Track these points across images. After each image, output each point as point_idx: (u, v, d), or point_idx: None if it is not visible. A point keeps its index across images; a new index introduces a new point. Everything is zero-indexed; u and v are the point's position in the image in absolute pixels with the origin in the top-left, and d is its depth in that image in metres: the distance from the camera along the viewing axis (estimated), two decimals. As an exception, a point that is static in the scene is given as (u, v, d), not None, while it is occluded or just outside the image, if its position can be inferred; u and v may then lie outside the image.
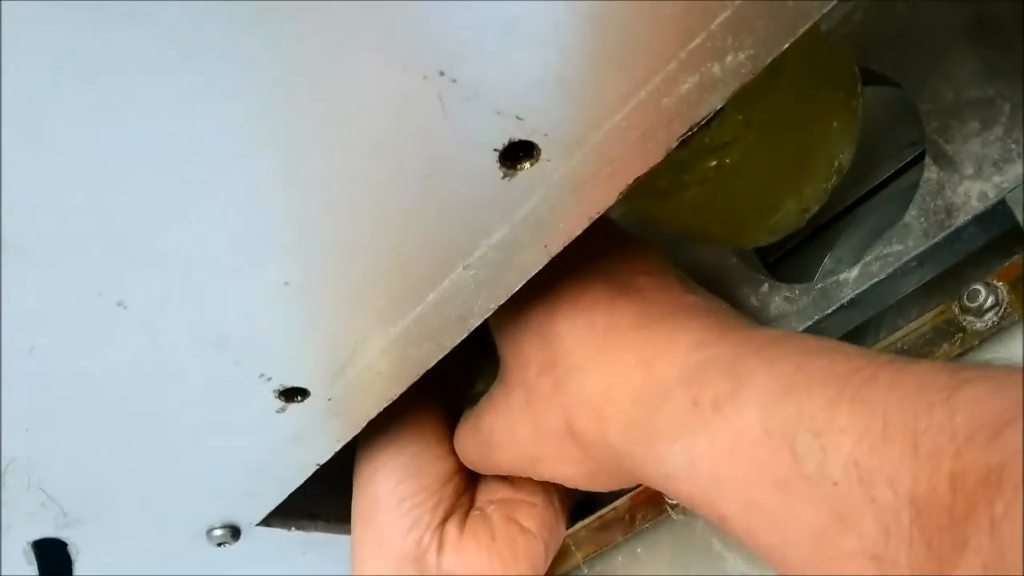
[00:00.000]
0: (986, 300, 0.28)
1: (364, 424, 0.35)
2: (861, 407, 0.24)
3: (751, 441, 0.26)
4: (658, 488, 0.30)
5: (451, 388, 0.42)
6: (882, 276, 0.34)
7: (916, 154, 0.40)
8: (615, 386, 0.31)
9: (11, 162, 0.21)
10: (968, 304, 0.28)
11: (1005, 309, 0.28)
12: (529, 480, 0.39)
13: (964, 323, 0.28)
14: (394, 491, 0.38)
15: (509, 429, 0.35)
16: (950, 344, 0.29)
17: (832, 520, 0.23)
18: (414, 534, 0.37)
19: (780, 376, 0.26)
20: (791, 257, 0.43)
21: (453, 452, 0.40)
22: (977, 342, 0.29)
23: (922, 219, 0.34)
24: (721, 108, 0.32)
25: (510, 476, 0.39)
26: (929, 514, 0.21)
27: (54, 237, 0.23)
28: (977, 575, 0.19)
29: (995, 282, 0.28)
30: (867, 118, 0.36)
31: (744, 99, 0.32)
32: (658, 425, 0.29)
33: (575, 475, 0.34)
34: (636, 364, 0.30)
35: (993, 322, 0.28)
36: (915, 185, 0.35)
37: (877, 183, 0.41)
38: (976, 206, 0.33)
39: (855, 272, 0.35)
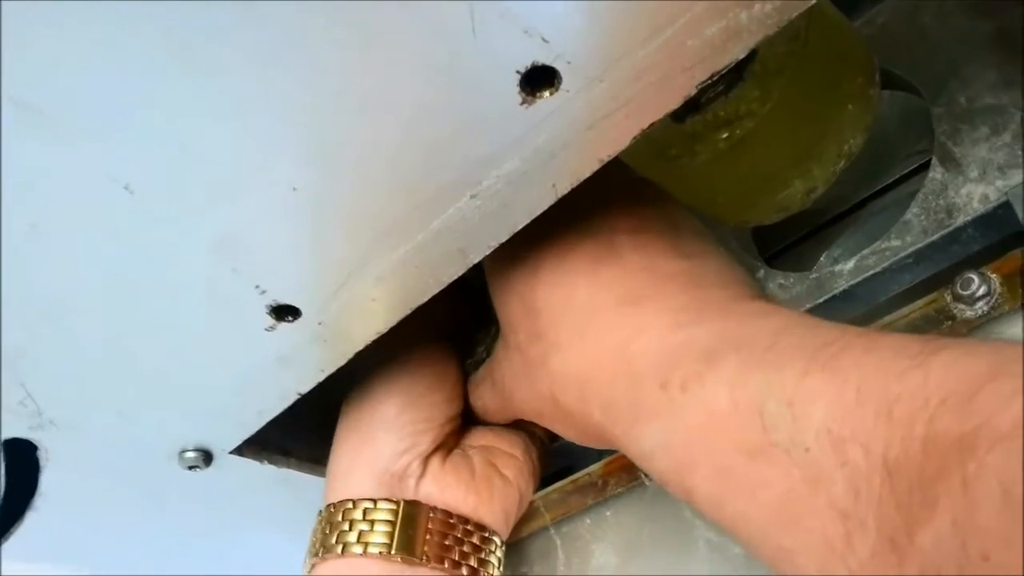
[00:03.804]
0: (979, 289, 0.28)
1: (350, 356, 0.34)
2: (833, 376, 0.24)
3: (720, 415, 0.26)
4: (637, 463, 0.31)
5: (469, 343, 0.43)
6: (877, 269, 0.35)
7: (922, 162, 0.40)
8: (593, 368, 0.31)
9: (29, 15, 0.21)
10: (960, 291, 0.28)
11: (996, 300, 0.28)
12: (511, 432, 0.40)
13: (955, 311, 0.29)
14: (403, 414, 0.39)
15: (515, 384, 0.36)
16: (938, 332, 0.30)
17: (802, 481, 0.24)
18: (406, 457, 0.38)
19: (751, 355, 0.27)
20: (789, 251, 0.44)
21: (460, 398, 0.41)
22: (966, 331, 0.29)
23: (923, 217, 0.34)
24: (740, 78, 0.33)
25: (494, 427, 0.40)
26: (900, 476, 0.21)
27: (68, 103, 0.23)
28: (946, 532, 0.20)
29: (989, 273, 0.28)
30: (878, 123, 0.37)
31: (763, 74, 0.32)
32: (633, 407, 0.30)
33: (569, 434, 0.35)
34: (612, 347, 0.31)
35: (983, 311, 0.28)
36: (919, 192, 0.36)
37: (881, 187, 0.42)
38: (977, 208, 0.33)
39: (851, 264, 0.36)
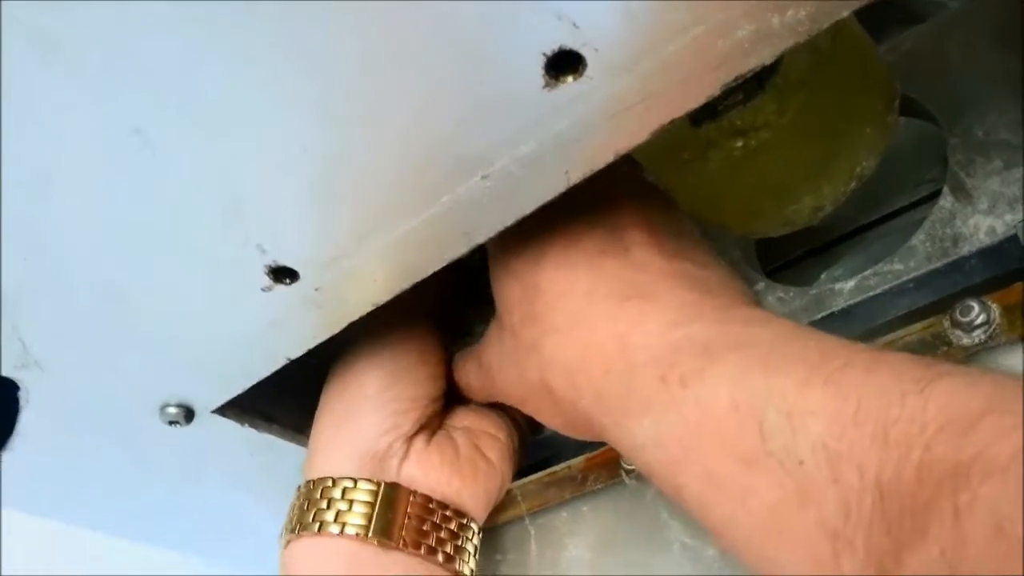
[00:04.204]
0: (977, 317, 0.28)
1: (343, 326, 0.34)
2: (834, 390, 0.24)
3: (719, 415, 0.26)
4: (625, 456, 0.30)
5: (455, 325, 0.43)
6: (878, 291, 0.35)
7: (931, 191, 0.41)
8: (588, 356, 0.31)
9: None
10: (959, 318, 0.29)
11: (994, 329, 0.28)
12: (495, 415, 0.40)
13: (951, 337, 0.29)
14: (385, 390, 0.38)
15: (502, 366, 0.36)
16: (933, 357, 0.30)
17: (793, 494, 0.24)
18: (388, 437, 0.38)
19: (752, 357, 0.27)
20: (790, 267, 0.44)
21: (443, 377, 0.41)
22: (961, 358, 0.29)
23: (928, 243, 0.34)
24: (760, 89, 0.32)
25: (477, 409, 0.40)
26: (892, 499, 0.21)
27: (86, 39, 0.23)
28: (935, 560, 0.20)
29: (990, 302, 0.28)
30: (891, 148, 0.37)
31: (784, 87, 0.32)
32: (627, 400, 0.29)
33: (553, 423, 0.35)
34: (610, 336, 0.31)
35: (980, 339, 0.28)
36: (925, 220, 0.36)
37: (888, 212, 0.42)
38: (983, 239, 0.33)
39: (851, 283, 0.36)
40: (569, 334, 0.32)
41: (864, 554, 0.22)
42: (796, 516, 0.23)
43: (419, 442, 0.38)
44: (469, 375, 0.39)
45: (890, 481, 0.21)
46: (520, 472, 0.41)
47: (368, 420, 0.38)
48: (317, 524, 0.36)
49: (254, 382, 0.37)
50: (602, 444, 0.38)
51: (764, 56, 0.24)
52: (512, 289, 0.34)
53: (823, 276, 0.41)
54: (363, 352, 0.40)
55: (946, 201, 0.35)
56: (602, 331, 0.31)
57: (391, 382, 0.39)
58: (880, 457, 0.22)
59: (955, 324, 0.29)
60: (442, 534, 0.37)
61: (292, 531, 0.37)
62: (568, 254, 0.33)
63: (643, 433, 0.28)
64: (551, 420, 0.35)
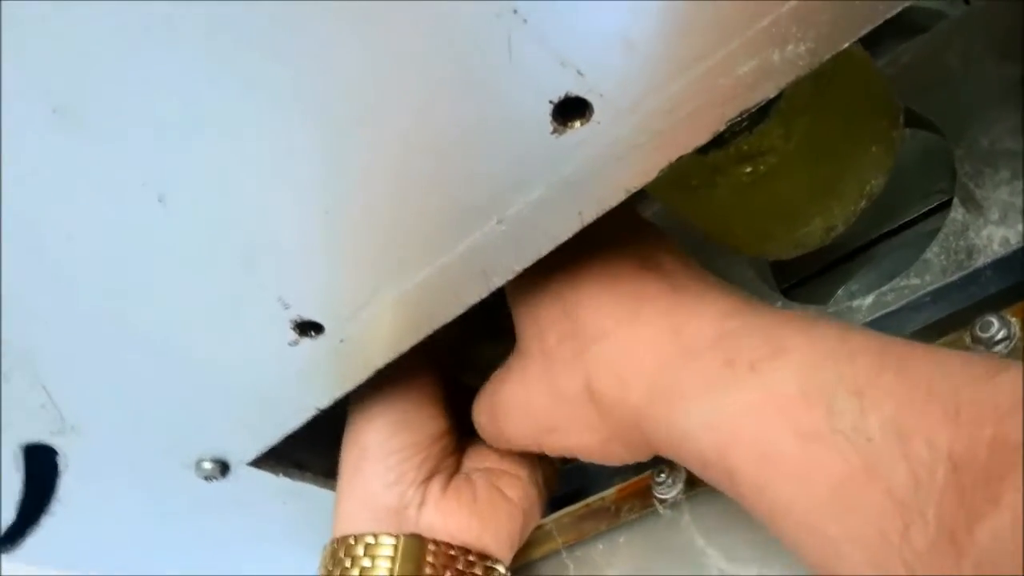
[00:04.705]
0: (998, 332, 0.28)
1: (371, 373, 0.35)
2: (904, 376, 0.24)
3: (784, 399, 0.26)
4: (673, 453, 0.30)
5: (449, 354, 0.42)
6: (895, 307, 0.35)
7: (941, 201, 0.41)
8: (641, 350, 0.31)
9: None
10: (979, 334, 0.29)
11: (1015, 344, 0.28)
12: (517, 455, 0.40)
13: (973, 352, 0.29)
14: (384, 444, 0.38)
15: (524, 400, 0.35)
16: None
17: (860, 469, 0.23)
18: (398, 488, 0.38)
19: (819, 345, 0.27)
20: (805, 285, 0.44)
21: (444, 414, 0.40)
22: (983, 372, 0.29)
23: (942, 257, 0.35)
24: (765, 115, 0.33)
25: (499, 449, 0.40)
26: (965, 471, 0.21)
27: (105, 110, 0.24)
28: (1007, 528, 0.20)
29: (1009, 317, 0.29)
30: (898, 161, 0.37)
31: (788, 112, 0.33)
32: (684, 384, 0.29)
33: (589, 444, 0.34)
34: (664, 329, 0.31)
35: (1002, 355, 0.28)
36: (937, 231, 0.36)
37: (898, 224, 0.42)
38: (997, 251, 0.33)
39: (869, 300, 0.36)
40: (618, 334, 0.32)
41: (936, 525, 0.21)
42: (864, 489, 0.23)
43: (435, 487, 0.38)
44: (484, 422, 0.39)
45: (963, 454, 0.21)
46: (551, 503, 0.42)
47: (372, 475, 0.38)
48: None
49: (287, 433, 0.38)
50: (633, 472, 0.38)
51: (767, 91, 0.25)
52: (549, 311, 0.34)
53: (840, 292, 0.42)
54: (361, 403, 0.40)
55: (957, 213, 0.35)
56: (656, 325, 0.31)
57: (389, 433, 0.38)
58: (952, 433, 0.22)
59: (976, 340, 0.29)
60: None
61: None
62: (608, 272, 0.33)
63: (698, 416, 0.28)
64: (589, 440, 0.34)
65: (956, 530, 0.21)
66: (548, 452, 0.36)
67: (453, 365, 0.43)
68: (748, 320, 0.29)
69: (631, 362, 0.31)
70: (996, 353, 0.29)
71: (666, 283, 0.32)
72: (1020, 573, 0.19)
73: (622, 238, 0.34)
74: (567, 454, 0.35)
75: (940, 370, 0.24)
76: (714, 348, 0.29)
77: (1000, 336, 0.29)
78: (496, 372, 0.38)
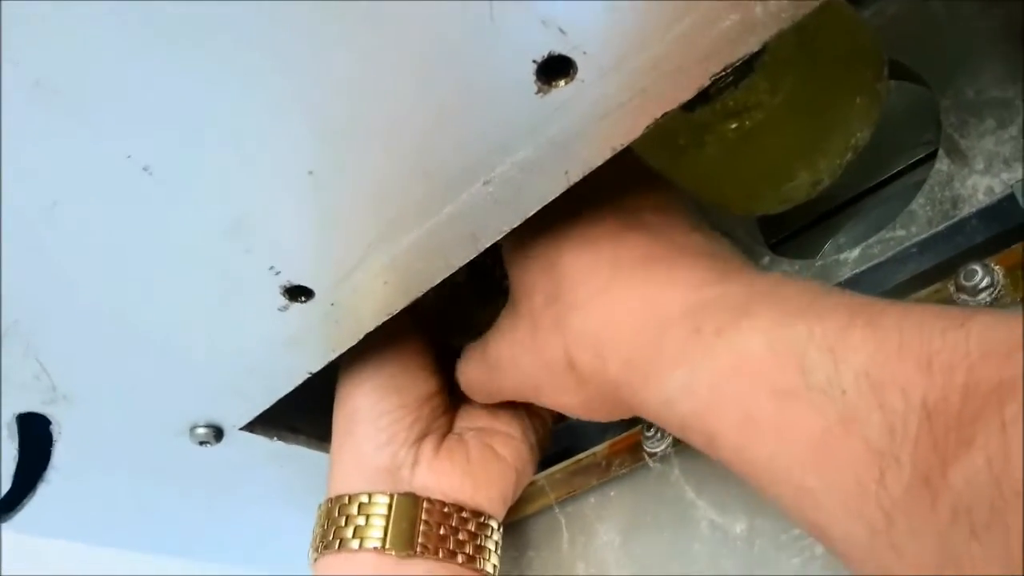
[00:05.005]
0: (982, 280, 0.29)
1: (361, 336, 0.35)
2: (874, 330, 0.24)
3: (755, 359, 0.26)
4: (653, 418, 0.31)
5: (438, 317, 0.43)
6: (882, 259, 0.35)
7: (927, 153, 0.41)
8: (616, 323, 0.31)
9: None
10: (964, 283, 0.29)
11: (999, 291, 0.29)
12: (508, 412, 0.40)
13: (957, 300, 0.29)
14: (374, 406, 0.39)
15: (514, 357, 0.35)
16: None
17: (836, 422, 0.24)
18: (390, 448, 0.38)
19: (786, 305, 0.27)
20: (793, 240, 0.44)
21: (434, 375, 0.41)
22: (967, 322, 0.30)
23: (928, 207, 0.35)
24: (750, 70, 0.33)
25: (490, 407, 0.40)
26: (938, 418, 0.22)
27: (86, 84, 0.24)
28: (980, 469, 0.20)
29: (993, 265, 0.29)
30: (884, 113, 0.37)
31: (773, 66, 0.33)
32: (659, 355, 0.29)
33: (573, 404, 0.34)
34: (638, 301, 0.31)
35: (985, 302, 0.29)
36: (923, 183, 0.36)
37: (885, 177, 0.42)
38: (982, 200, 0.34)
39: (856, 252, 0.36)
40: (595, 304, 0.32)
41: (911, 470, 0.22)
42: (840, 442, 0.24)
43: (428, 448, 0.39)
44: (471, 373, 0.39)
45: (936, 403, 0.22)
46: (543, 462, 0.42)
47: (363, 437, 0.38)
48: (337, 541, 0.37)
49: (278, 398, 0.38)
50: (623, 428, 0.39)
51: (751, 45, 0.25)
52: (534, 271, 0.35)
53: (827, 246, 0.42)
54: (351, 366, 0.40)
55: (943, 164, 0.35)
56: (630, 297, 0.31)
57: (379, 396, 0.39)
58: (925, 382, 0.22)
59: (960, 289, 0.29)
60: (461, 536, 0.37)
61: (316, 550, 0.38)
62: (590, 232, 0.33)
63: (675, 384, 0.29)
64: (571, 401, 0.34)
65: (931, 474, 0.21)
66: (538, 404, 0.37)
67: (442, 328, 0.43)
68: (718, 290, 0.30)
69: (607, 335, 0.31)
70: (980, 301, 0.29)
71: (645, 248, 0.32)
72: (993, 514, 0.20)
73: (608, 192, 0.34)
74: (556, 409, 0.36)
75: (911, 321, 0.24)
76: (684, 318, 0.29)
77: (984, 284, 0.29)
78: (490, 330, 0.38)
